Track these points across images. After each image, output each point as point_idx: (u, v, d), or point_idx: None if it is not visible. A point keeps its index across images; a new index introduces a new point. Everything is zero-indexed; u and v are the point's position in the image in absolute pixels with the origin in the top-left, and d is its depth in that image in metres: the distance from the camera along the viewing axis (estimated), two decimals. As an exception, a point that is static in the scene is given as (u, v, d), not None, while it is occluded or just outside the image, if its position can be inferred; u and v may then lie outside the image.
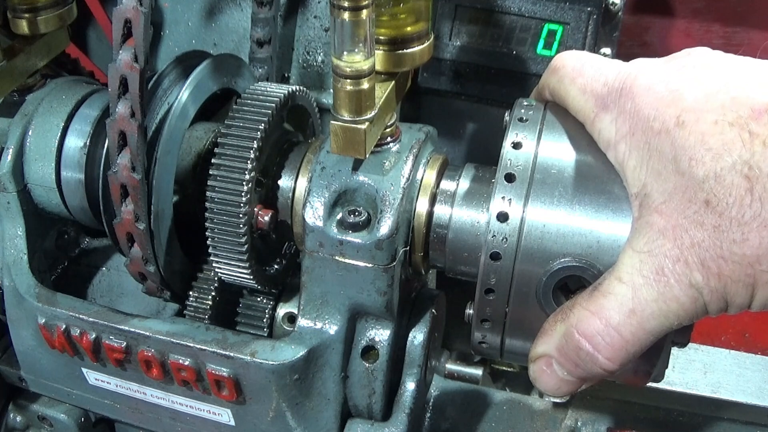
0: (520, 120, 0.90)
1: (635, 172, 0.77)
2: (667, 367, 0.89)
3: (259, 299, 1.08)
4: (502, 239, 0.84)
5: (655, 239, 0.74)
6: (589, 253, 0.82)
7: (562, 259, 0.82)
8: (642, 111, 0.76)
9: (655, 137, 0.74)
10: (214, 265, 1.01)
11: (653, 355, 0.85)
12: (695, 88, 0.74)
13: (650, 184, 0.75)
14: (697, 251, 0.71)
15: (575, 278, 0.83)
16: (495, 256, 0.85)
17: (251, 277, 1.00)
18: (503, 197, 0.85)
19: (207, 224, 0.97)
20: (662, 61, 0.80)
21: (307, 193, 0.96)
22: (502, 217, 0.84)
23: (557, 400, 1.35)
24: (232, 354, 0.97)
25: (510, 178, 0.86)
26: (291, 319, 1.06)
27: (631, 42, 1.49)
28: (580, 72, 0.84)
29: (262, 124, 0.96)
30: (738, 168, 0.69)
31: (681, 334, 0.84)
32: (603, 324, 0.77)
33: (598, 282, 0.79)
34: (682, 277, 0.72)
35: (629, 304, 0.75)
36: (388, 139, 0.97)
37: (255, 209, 0.97)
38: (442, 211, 0.96)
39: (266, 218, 0.98)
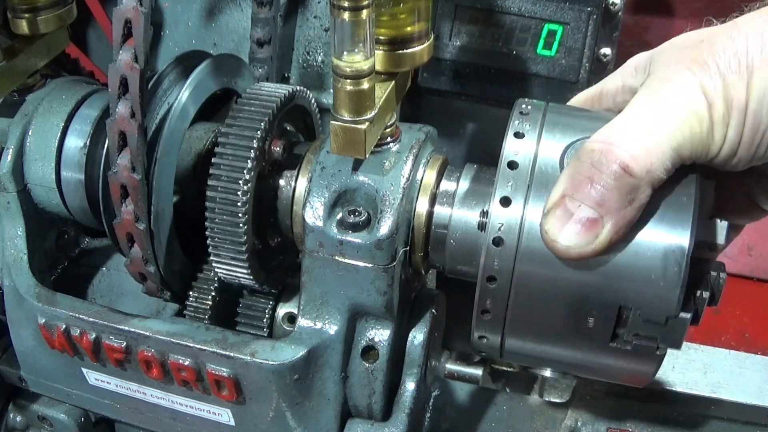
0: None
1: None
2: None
3: (259, 299, 1.07)
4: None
5: (657, 72, 0.82)
6: None
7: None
8: (723, 59, 0.80)
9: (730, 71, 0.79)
10: (214, 265, 1.01)
11: (651, 364, 0.85)
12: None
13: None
14: (696, 60, 0.79)
15: None
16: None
17: (251, 277, 1.00)
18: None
19: (207, 224, 0.97)
20: None
21: (307, 193, 0.96)
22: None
23: (557, 400, 1.35)
24: (232, 354, 0.97)
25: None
26: (291, 319, 1.06)
27: (631, 42, 1.49)
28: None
29: (262, 124, 0.96)
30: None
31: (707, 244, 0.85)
32: (614, 128, 0.80)
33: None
34: (686, 78, 0.78)
35: (640, 112, 0.80)
36: (388, 139, 0.97)
37: (266, 144, 0.98)
38: (442, 211, 0.96)
39: (278, 149, 0.99)
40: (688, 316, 0.81)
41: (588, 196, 0.79)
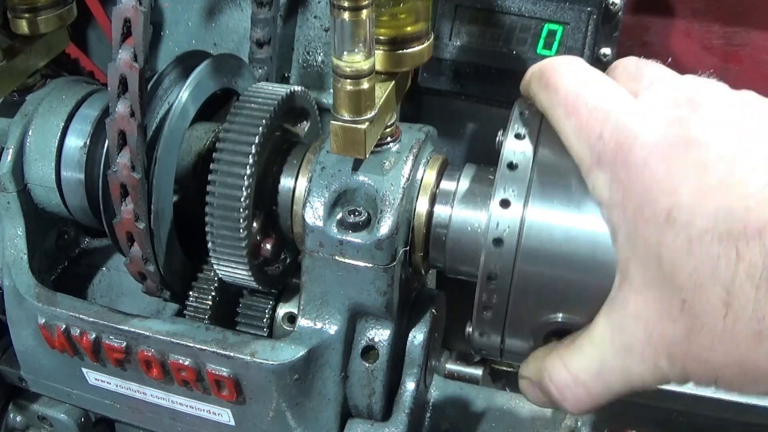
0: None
1: (623, 246, 0.74)
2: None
3: (259, 299, 1.07)
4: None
5: (628, 319, 0.74)
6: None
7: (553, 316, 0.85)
8: (635, 189, 0.71)
9: (644, 224, 0.71)
10: (214, 265, 1.01)
11: None
12: (692, 177, 0.68)
13: (633, 267, 0.73)
14: (667, 344, 0.71)
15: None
16: (497, 242, 0.84)
17: (251, 277, 1.00)
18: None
19: (207, 224, 0.97)
20: (664, 119, 0.72)
21: (307, 193, 0.96)
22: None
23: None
24: (232, 354, 0.97)
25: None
26: (291, 319, 1.06)
27: (631, 42, 1.49)
28: (575, 108, 0.77)
29: (262, 124, 0.96)
30: (718, 290, 0.67)
31: None
32: (572, 378, 0.80)
33: (577, 334, 0.81)
34: (648, 359, 0.73)
35: (597, 366, 0.77)
36: (388, 139, 0.97)
37: (258, 239, 1.00)
38: (442, 211, 0.96)
39: (268, 246, 1.01)
40: None
41: (547, 401, 0.85)
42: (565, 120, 0.78)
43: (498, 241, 0.84)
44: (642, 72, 0.80)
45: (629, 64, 0.83)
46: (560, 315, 0.85)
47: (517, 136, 0.87)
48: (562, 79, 0.80)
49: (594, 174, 0.76)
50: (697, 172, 0.68)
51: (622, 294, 0.75)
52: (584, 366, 0.78)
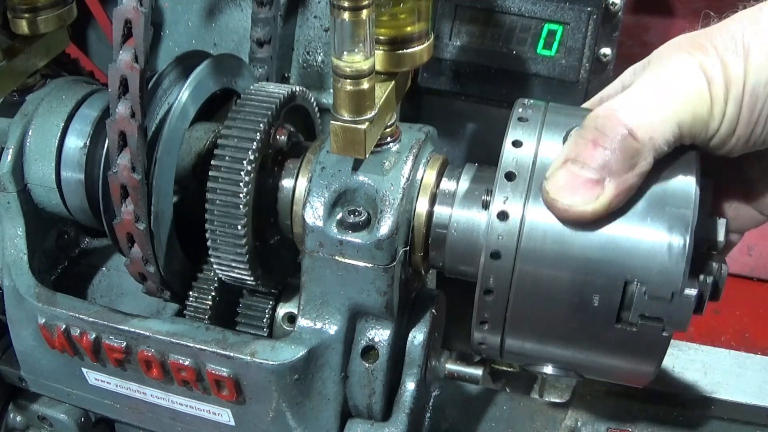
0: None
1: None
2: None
3: (259, 299, 1.07)
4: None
5: (656, 56, 0.84)
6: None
7: None
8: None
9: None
10: (214, 265, 1.01)
11: (655, 353, 0.85)
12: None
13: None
14: (694, 43, 0.81)
15: None
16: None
17: (251, 277, 1.00)
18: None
19: (207, 224, 0.97)
20: None
21: (307, 193, 0.96)
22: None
23: (557, 400, 1.35)
24: (232, 354, 0.97)
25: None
26: (291, 319, 1.06)
27: (631, 42, 1.49)
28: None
29: (262, 124, 0.96)
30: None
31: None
32: (619, 101, 0.82)
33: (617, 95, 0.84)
34: (685, 59, 0.80)
35: (643, 89, 0.81)
36: (388, 139, 0.97)
37: (271, 131, 0.98)
38: (442, 211, 0.96)
39: (282, 137, 0.99)
40: (693, 292, 0.81)
41: (591, 157, 0.80)
42: None
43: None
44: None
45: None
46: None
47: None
48: None
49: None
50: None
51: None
52: (627, 94, 0.82)
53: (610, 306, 0.83)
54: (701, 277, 0.84)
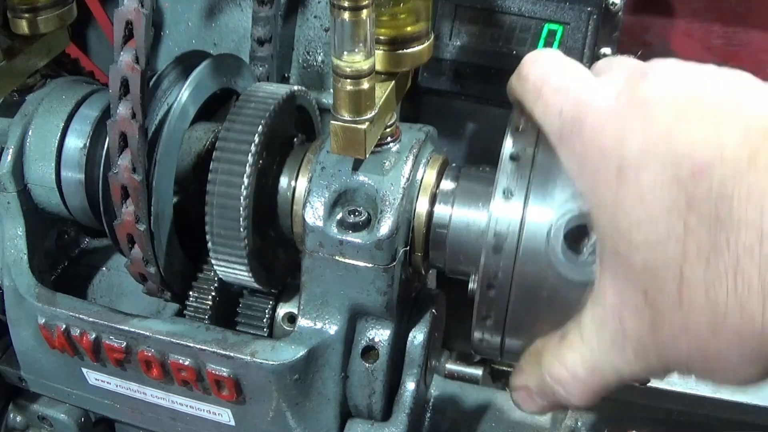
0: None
1: (595, 222, 0.75)
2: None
3: (259, 299, 1.07)
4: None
5: (607, 312, 0.74)
6: None
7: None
8: (590, 157, 0.72)
9: (600, 187, 0.71)
10: (214, 265, 1.01)
11: None
12: (639, 132, 0.68)
13: (603, 252, 0.74)
14: (637, 338, 0.72)
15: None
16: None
17: (251, 277, 1.00)
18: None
19: (207, 224, 0.97)
20: (617, 89, 0.73)
21: (307, 193, 0.96)
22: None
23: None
24: (232, 354, 0.97)
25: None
26: (291, 319, 1.06)
27: (631, 42, 1.49)
28: (540, 92, 0.79)
29: (262, 124, 0.96)
30: (671, 274, 0.67)
31: None
32: (570, 375, 0.79)
33: (565, 329, 0.80)
34: (629, 353, 0.73)
35: (590, 363, 0.77)
36: (388, 139, 0.97)
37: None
38: (442, 211, 0.96)
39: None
40: None
41: (549, 404, 0.84)
42: (533, 104, 0.80)
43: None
44: (610, 63, 0.82)
45: (602, 61, 0.85)
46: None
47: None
48: (531, 69, 0.82)
49: (559, 150, 0.77)
50: (644, 127, 0.68)
51: (601, 284, 0.75)
52: (578, 362, 0.78)
53: None
54: None
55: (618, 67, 0.79)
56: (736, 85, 0.70)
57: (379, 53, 0.89)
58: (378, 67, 0.88)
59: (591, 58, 1.26)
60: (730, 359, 0.67)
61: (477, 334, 0.91)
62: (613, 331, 0.74)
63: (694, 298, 0.66)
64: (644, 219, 0.67)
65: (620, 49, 1.27)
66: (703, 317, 0.66)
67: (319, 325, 0.98)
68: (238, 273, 1.00)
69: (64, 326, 1.05)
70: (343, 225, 0.93)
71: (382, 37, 0.89)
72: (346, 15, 0.79)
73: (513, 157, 0.86)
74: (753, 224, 0.62)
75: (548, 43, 1.27)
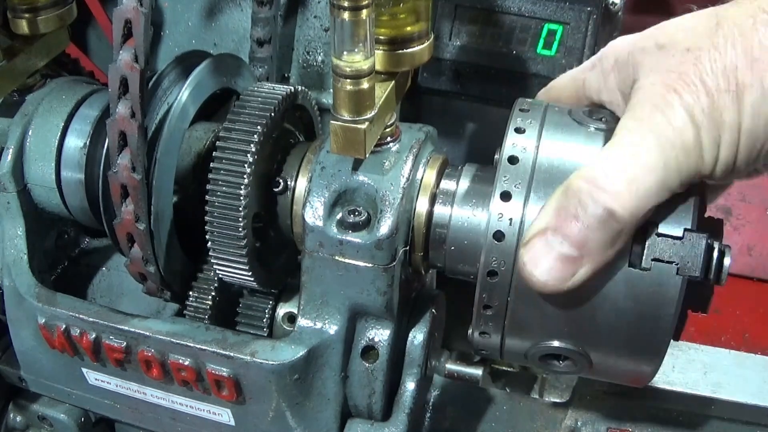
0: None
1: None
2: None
3: (259, 299, 1.07)
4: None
5: (643, 91, 0.78)
6: None
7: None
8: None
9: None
10: (214, 265, 1.01)
11: (656, 349, 0.85)
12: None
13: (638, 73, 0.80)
14: (683, 78, 0.76)
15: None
16: (498, 237, 0.84)
17: (251, 277, 1.00)
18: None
19: (207, 224, 0.97)
20: None
21: (307, 193, 0.96)
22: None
23: (557, 400, 1.35)
24: (232, 354, 0.97)
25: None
26: (291, 319, 1.06)
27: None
28: None
29: (262, 124, 0.96)
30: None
31: (699, 299, 0.84)
32: (602, 167, 0.77)
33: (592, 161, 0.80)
34: (673, 102, 0.76)
35: (627, 148, 0.77)
36: (388, 139, 0.97)
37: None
38: (442, 210, 0.96)
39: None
40: (704, 235, 0.80)
41: (571, 234, 0.78)
42: None
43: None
44: None
45: None
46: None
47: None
48: None
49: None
50: None
51: (633, 98, 0.80)
52: (612, 154, 0.77)
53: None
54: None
55: None
56: None
57: (378, 53, 0.89)
58: (378, 67, 0.88)
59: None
60: None
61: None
62: (654, 95, 0.77)
63: None
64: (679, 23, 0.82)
65: (620, 49, 1.26)
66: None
67: (319, 325, 0.98)
68: (238, 273, 1.00)
69: (64, 326, 1.05)
70: (343, 225, 0.93)
71: (381, 37, 0.89)
72: (346, 15, 0.79)
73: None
74: None
75: (548, 43, 1.27)
